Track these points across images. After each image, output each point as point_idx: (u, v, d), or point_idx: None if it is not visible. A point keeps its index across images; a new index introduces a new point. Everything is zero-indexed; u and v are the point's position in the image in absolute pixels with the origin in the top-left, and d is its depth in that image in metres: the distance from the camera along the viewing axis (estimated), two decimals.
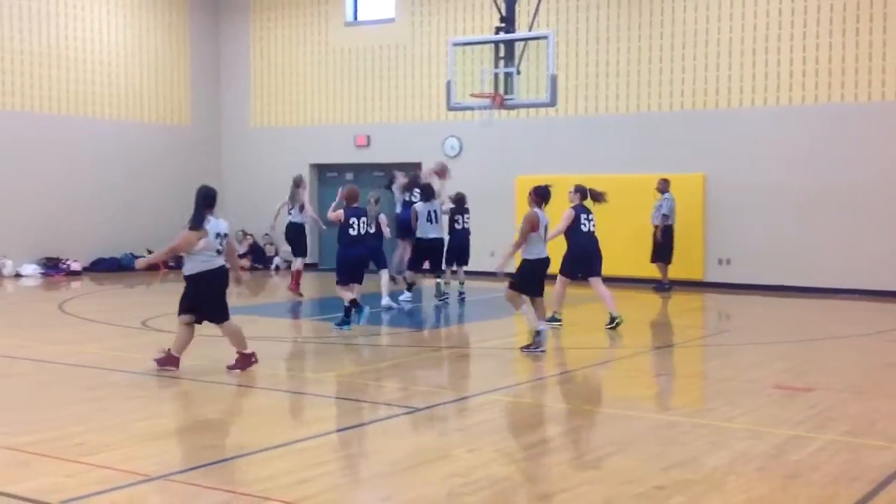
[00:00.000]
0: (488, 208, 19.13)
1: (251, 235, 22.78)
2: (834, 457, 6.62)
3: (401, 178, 16.67)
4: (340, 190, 13.31)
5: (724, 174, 18.11)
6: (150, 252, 18.46)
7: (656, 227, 17.52)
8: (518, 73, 15.96)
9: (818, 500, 5.70)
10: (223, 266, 9.48)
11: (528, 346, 10.77)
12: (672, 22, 18.66)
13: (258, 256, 22.75)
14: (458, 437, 7.25)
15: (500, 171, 19.95)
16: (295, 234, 16.42)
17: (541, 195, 11.04)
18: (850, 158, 17.08)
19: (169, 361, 9.48)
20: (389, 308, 14.48)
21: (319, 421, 7.80)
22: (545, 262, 10.99)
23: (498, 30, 16.42)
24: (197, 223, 9.24)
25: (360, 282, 12.85)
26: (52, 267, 20.26)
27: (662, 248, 17.59)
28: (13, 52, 20.00)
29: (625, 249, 18.01)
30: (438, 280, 15.87)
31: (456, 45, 16.57)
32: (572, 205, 12.80)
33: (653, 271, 17.84)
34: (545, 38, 15.74)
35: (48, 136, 20.44)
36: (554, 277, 12.53)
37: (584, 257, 12.73)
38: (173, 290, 10.84)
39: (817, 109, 17.36)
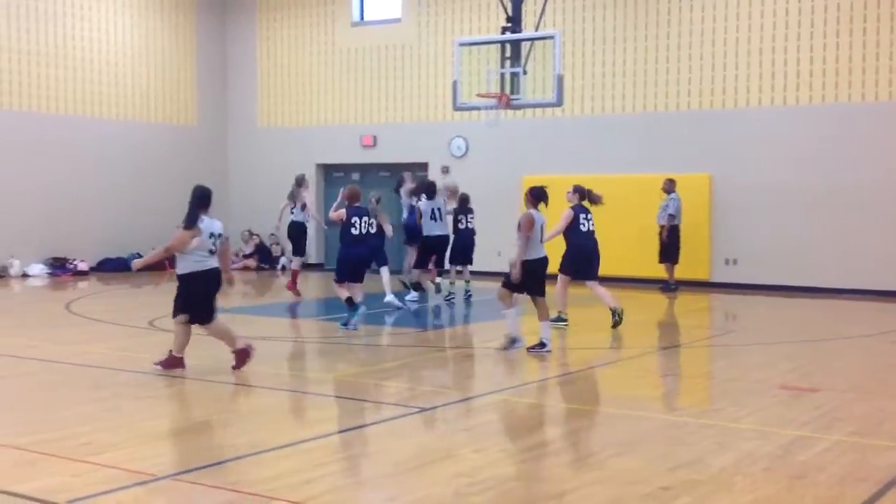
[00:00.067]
0: (494, 208, 19.11)
1: (257, 235, 22.82)
2: (840, 457, 6.61)
3: (409, 183, 16.66)
4: (342, 190, 13.39)
5: (731, 174, 18.08)
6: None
7: (662, 227, 17.48)
8: (524, 73, 15.95)
9: (824, 501, 5.69)
10: (216, 268, 9.50)
11: (534, 347, 10.75)
12: (678, 22, 18.63)
13: (264, 256, 22.79)
14: (464, 437, 7.24)
15: (507, 171, 19.93)
16: (296, 234, 16.48)
17: (536, 196, 11.05)
18: (858, 158, 17.04)
19: (174, 363, 9.50)
20: (392, 305, 14.49)
21: (325, 421, 7.80)
22: (543, 261, 10.98)
23: (504, 30, 16.42)
24: (190, 222, 9.31)
25: (360, 280, 12.91)
26: (59, 267, 20.31)
27: (668, 249, 17.55)
28: (20, 53, 20.05)
29: (631, 250, 18.02)
30: (438, 280, 15.89)
31: (462, 45, 16.57)
32: (571, 205, 12.81)
33: (659, 271, 17.80)
34: (551, 38, 15.75)
35: (55, 137, 20.49)
36: (554, 277, 12.53)
37: (583, 257, 12.73)
38: None
39: (824, 109, 17.32)
